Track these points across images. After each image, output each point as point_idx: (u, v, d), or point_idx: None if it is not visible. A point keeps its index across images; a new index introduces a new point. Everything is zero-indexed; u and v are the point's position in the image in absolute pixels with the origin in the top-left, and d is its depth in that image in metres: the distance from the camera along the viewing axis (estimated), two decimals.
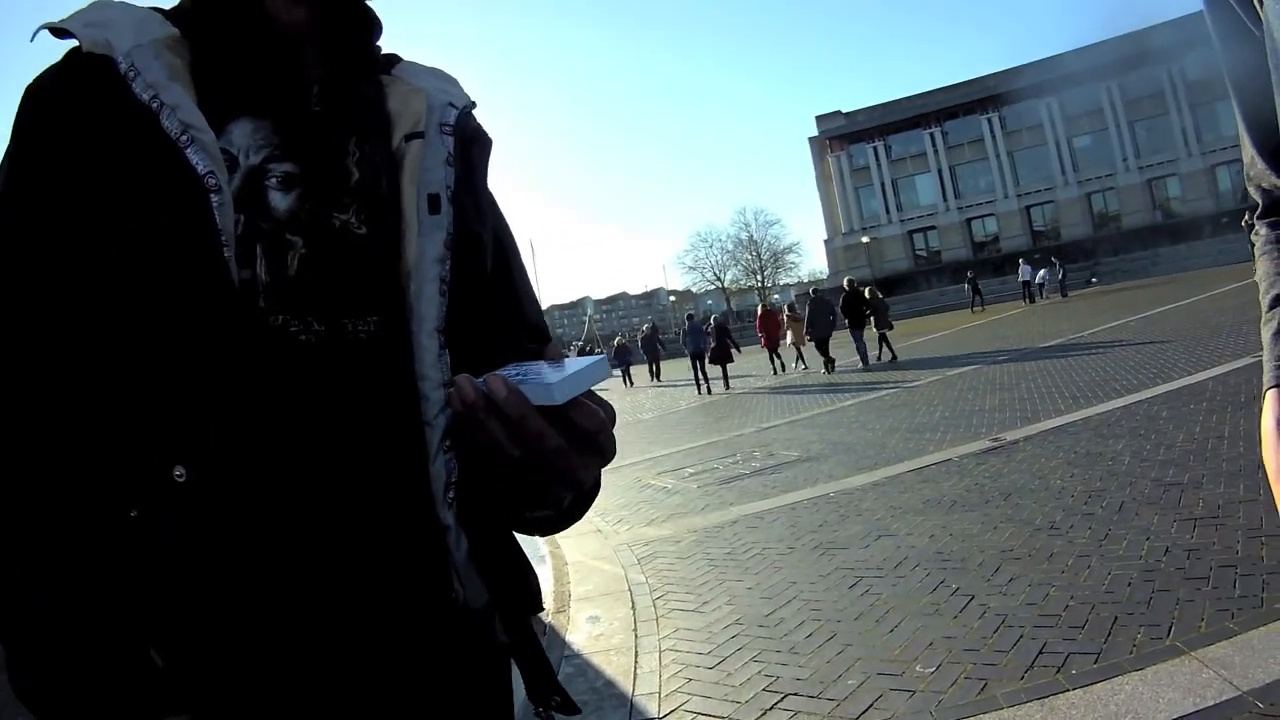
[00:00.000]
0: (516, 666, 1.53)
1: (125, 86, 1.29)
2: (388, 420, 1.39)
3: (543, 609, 1.59)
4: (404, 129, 1.55)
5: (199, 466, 1.23)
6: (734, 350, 33.66)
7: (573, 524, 1.60)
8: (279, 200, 1.38)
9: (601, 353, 1.24)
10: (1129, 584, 5.77)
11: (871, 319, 29.97)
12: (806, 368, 33.25)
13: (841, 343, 30.98)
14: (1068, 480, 8.90)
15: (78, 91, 1.32)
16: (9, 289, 1.28)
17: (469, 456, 1.41)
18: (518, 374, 1.24)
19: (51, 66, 1.37)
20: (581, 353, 45.98)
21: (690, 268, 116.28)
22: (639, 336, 47.21)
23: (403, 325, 1.43)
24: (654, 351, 43.94)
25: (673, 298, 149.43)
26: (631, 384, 44.25)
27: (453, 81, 1.68)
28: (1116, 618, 5.30)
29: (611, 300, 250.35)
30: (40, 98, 1.34)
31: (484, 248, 1.59)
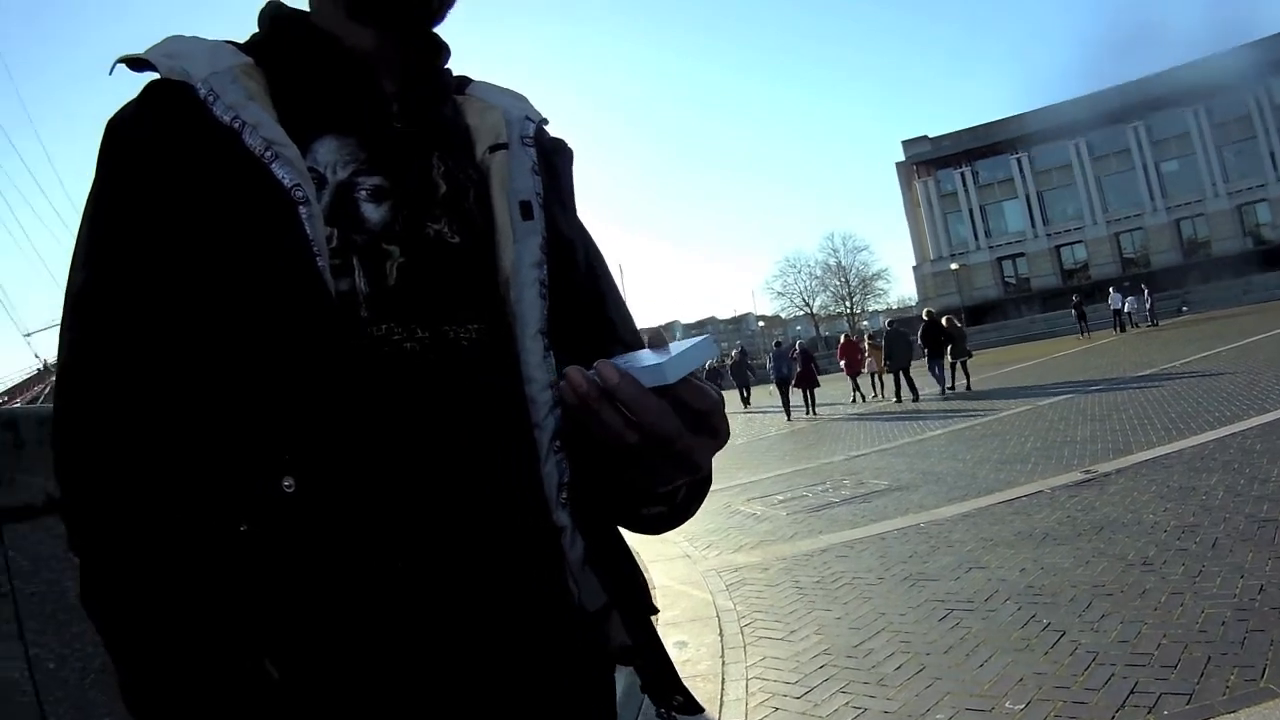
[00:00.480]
0: (636, 668, 1.52)
1: (206, 110, 1.33)
2: (497, 424, 1.41)
3: (657, 610, 1.61)
4: (486, 142, 1.60)
5: (307, 478, 1.25)
6: (819, 376, 33.65)
7: (685, 520, 1.61)
8: (371, 212, 1.40)
9: (707, 334, 1.22)
10: (1222, 623, 5.68)
11: (949, 348, 30.48)
12: (880, 398, 33.68)
13: (920, 372, 30.83)
14: (1160, 515, 8.76)
15: (160, 119, 1.35)
16: (115, 314, 1.30)
17: (581, 456, 1.43)
18: (626, 361, 1.25)
19: (131, 100, 1.40)
20: None
21: (779, 293, 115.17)
22: (729, 362, 46.77)
23: (506, 330, 1.46)
24: (743, 377, 43.31)
25: (761, 323, 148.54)
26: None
27: (524, 99, 1.73)
28: (1210, 658, 5.21)
29: (700, 325, 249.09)
30: (124, 128, 1.37)
31: (577, 253, 1.62)
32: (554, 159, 1.66)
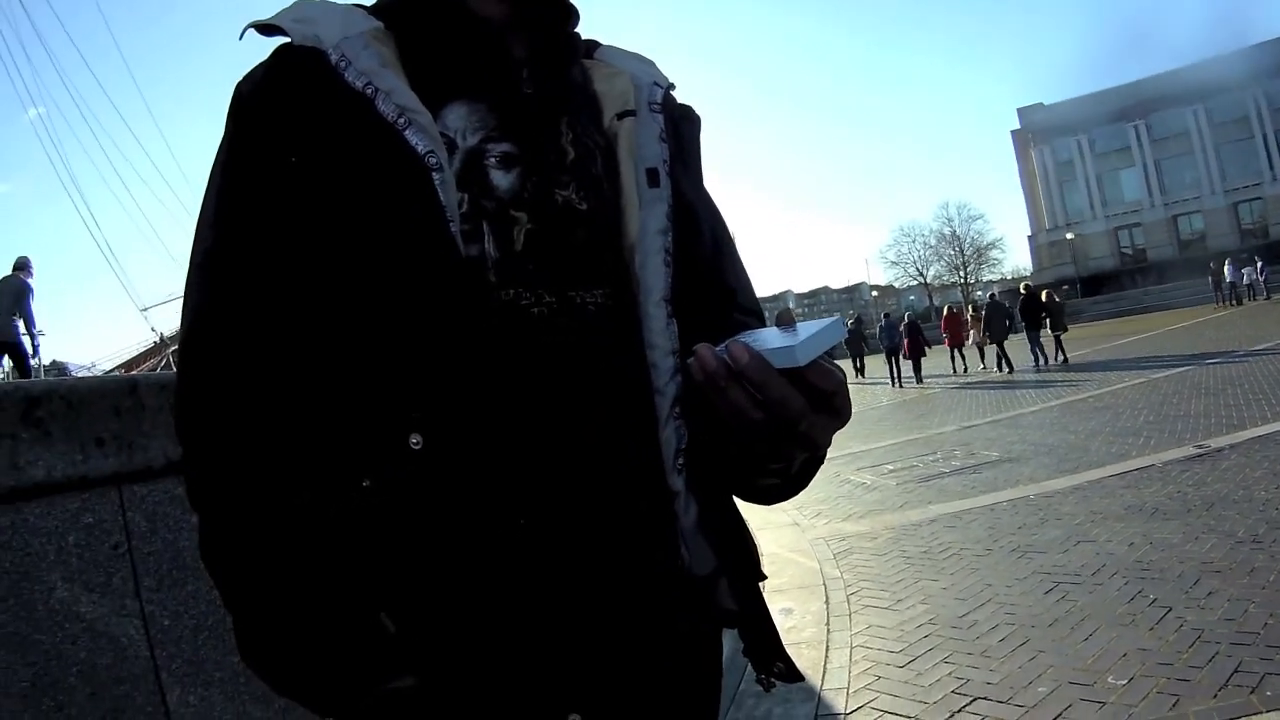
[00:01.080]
0: (740, 634, 1.55)
1: (338, 76, 1.36)
2: (619, 388, 1.43)
3: (765, 577, 1.64)
4: (614, 108, 1.60)
5: (435, 435, 1.29)
6: (925, 347, 34.68)
7: (798, 492, 1.58)
8: (500, 179, 1.42)
9: (837, 315, 1.23)
10: None
11: (1047, 322, 31.71)
12: (985, 367, 34.03)
13: (1019, 345, 30.95)
14: (1272, 492, 8.62)
15: (292, 83, 1.38)
16: (242, 277, 1.35)
17: (700, 425, 1.43)
18: (754, 341, 1.24)
19: (260, 64, 1.43)
20: None
21: (893, 263, 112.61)
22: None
23: (630, 296, 1.48)
24: (858, 347, 42.48)
25: (875, 293, 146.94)
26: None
27: (652, 64, 1.73)
28: None
29: (813, 294, 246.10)
30: (255, 93, 1.41)
31: (702, 222, 1.64)
32: (681, 126, 1.67)
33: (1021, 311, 32.25)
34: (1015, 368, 30.67)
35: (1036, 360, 31.18)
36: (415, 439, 1.29)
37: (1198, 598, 6.18)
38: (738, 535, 1.56)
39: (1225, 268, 51.01)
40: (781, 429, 1.23)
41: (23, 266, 18.49)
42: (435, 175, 1.33)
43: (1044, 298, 32.35)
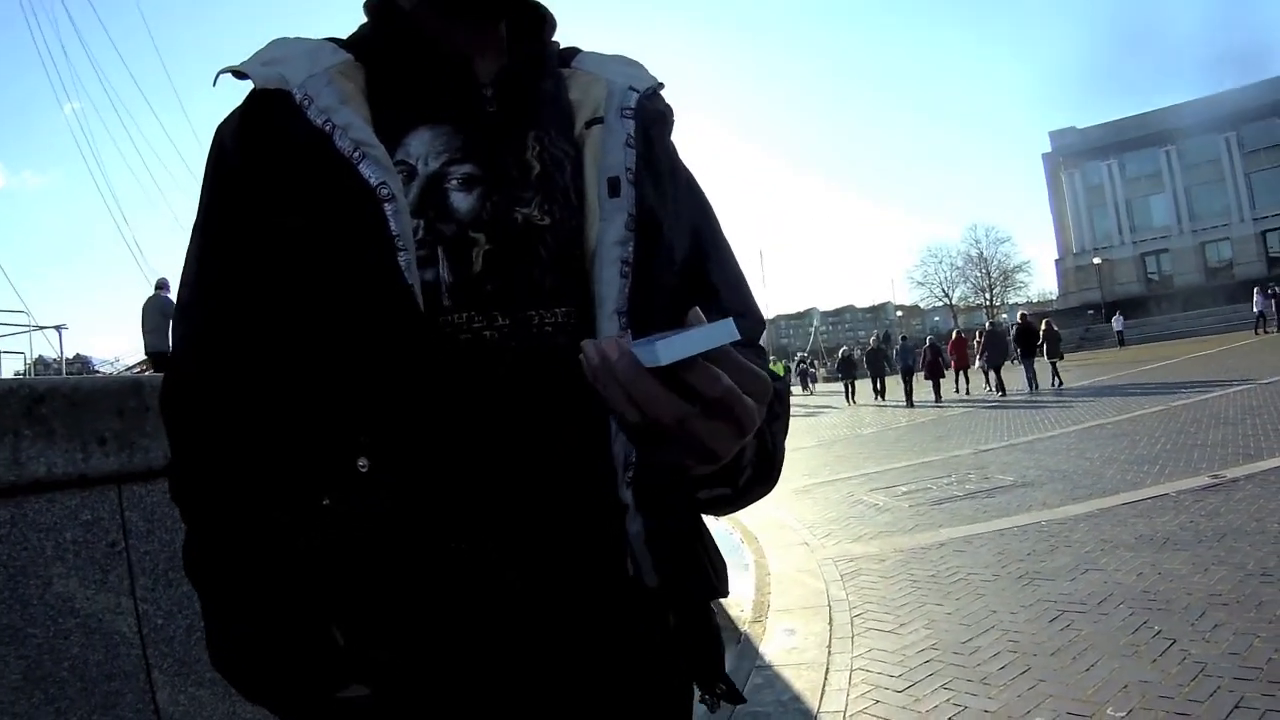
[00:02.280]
0: (685, 651, 1.57)
1: (301, 115, 1.40)
2: (571, 405, 1.43)
3: (724, 594, 1.60)
4: (584, 117, 1.61)
5: (379, 459, 1.34)
6: (945, 369, 37.45)
7: (754, 500, 1.54)
8: (460, 201, 1.45)
9: (729, 317, 1.11)
10: None
11: (1044, 348, 34.40)
12: (988, 388, 36.14)
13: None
14: None
15: (258, 128, 1.43)
16: (212, 321, 1.44)
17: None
18: (646, 339, 1.16)
19: (235, 110, 1.48)
20: (803, 364, 44.90)
21: (919, 283, 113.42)
22: (863, 350, 45.38)
23: (590, 311, 1.48)
24: (879, 366, 41.99)
25: (900, 312, 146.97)
26: (853, 400, 41.92)
27: (636, 65, 1.73)
28: None
29: (838, 312, 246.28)
30: (225, 141, 1.47)
31: (668, 230, 1.60)
32: (652, 129, 1.64)
33: (1017, 339, 35.13)
34: (1007, 391, 33.57)
35: (1030, 385, 33.25)
36: (362, 462, 1.34)
37: (1203, 630, 6.14)
38: (690, 550, 1.57)
39: (1254, 296, 50.72)
40: (656, 431, 1.17)
41: (163, 285, 19.41)
42: (387, 205, 1.36)
43: (1042, 327, 35.07)
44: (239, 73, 1.46)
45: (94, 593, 3.33)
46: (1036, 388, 33.00)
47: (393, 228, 1.36)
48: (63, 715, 3.16)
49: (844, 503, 13.76)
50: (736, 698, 1.58)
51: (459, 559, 1.37)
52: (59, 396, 3.32)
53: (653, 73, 1.73)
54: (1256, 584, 6.96)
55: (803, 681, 6.30)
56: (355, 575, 1.35)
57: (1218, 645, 5.83)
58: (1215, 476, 11.52)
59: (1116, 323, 57.09)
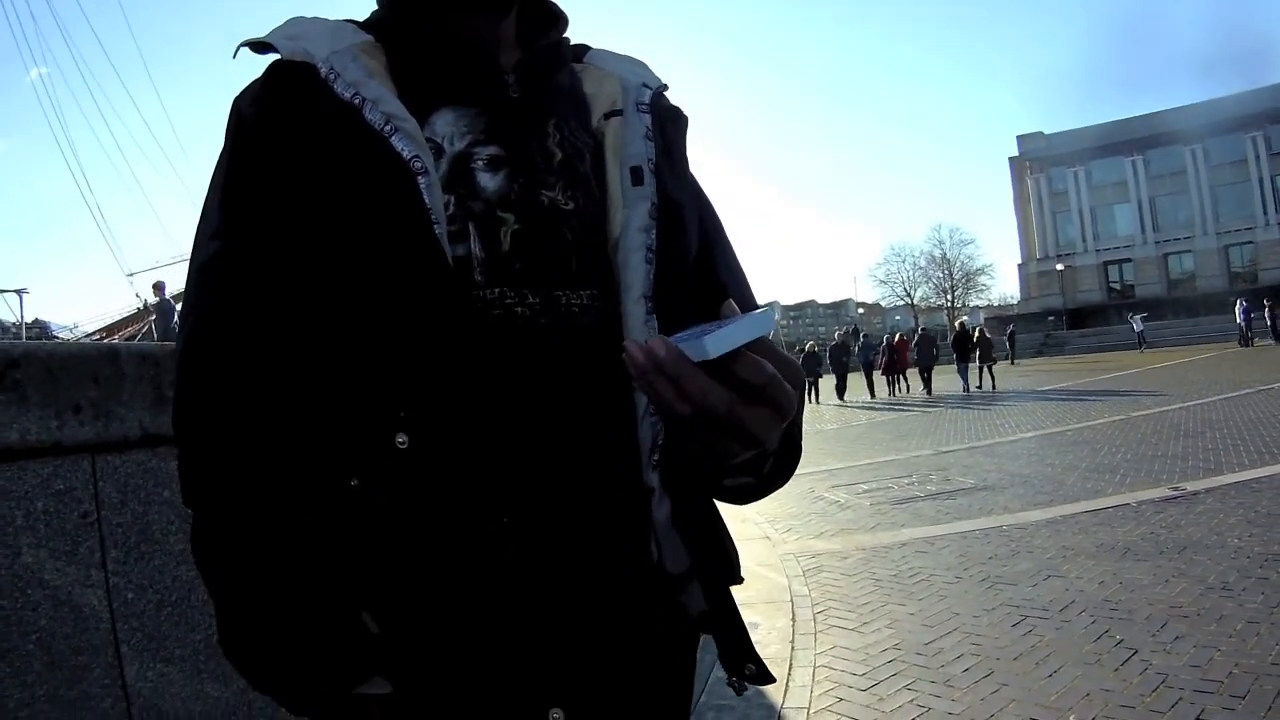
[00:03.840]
0: (713, 635, 1.55)
1: (327, 88, 1.39)
2: (598, 386, 1.46)
3: (741, 580, 1.63)
4: (601, 109, 1.63)
5: (420, 434, 1.31)
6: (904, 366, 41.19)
7: (772, 491, 1.59)
8: (488, 180, 1.45)
9: (768, 306, 1.21)
10: None
11: (976, 354, 37.78)
12: (924, 390, 38.91)
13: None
14: (1245, 539, 8.61)
15: (284, 97, 1.42)
16: (243, 288, 1.38)
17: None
18: (685, 334, 1.21)
19: (256, 80, 1.47)
20: None
21: (881, 281, 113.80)
22: (828, 346, 44.53)
23: (613, 294, 1.50)
24: (841, 364, 41.42)
25: (861, 310, 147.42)
26: (815, 400, 40.55)
27: (644, 65, 1.75)
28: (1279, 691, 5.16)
29: (800, 308, 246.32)
30: (250, 109, 1.44)
31: (688, 219, 1.64)
32: (668, 126, 1.68)
33: (953, 344, 38.77)
34: (933, 393, 37.28)
35: (965, 386, 37.00)
36: (401, 438, 1.31)
37: (1164, 641, 6.17)
38: (714, 535, 1.58)
39: (1236, 309, 50.92)
40: (709, 423, 1.20)
41: (161, 288, 19.74)
42: (421, 179, 1.36)
43: (975, 334, 38.68)
44: (259, 45, 1.46)
45: (64, 565, 3.27)
46: (969, 390, 36.27)
47: (426, 201, 1.35)
48: (29, 689, 3.10)
49: (805, 498, 13.76)
50: (766, 678, 1.57)
51: (500, 537, 1.34)
52: (35, 362, 3.26)
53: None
54: (1217, 597, 6.99)
55: None
56: (390, 557, 1.33)
57: (1179, 657, 5.86)
58: (1175, 489, 11.58)
59: (1136, 323, 56.95)
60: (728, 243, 1.81)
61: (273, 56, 1.45)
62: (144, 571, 3.48)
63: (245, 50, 1.48)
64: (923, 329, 44.51)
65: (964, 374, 37.42)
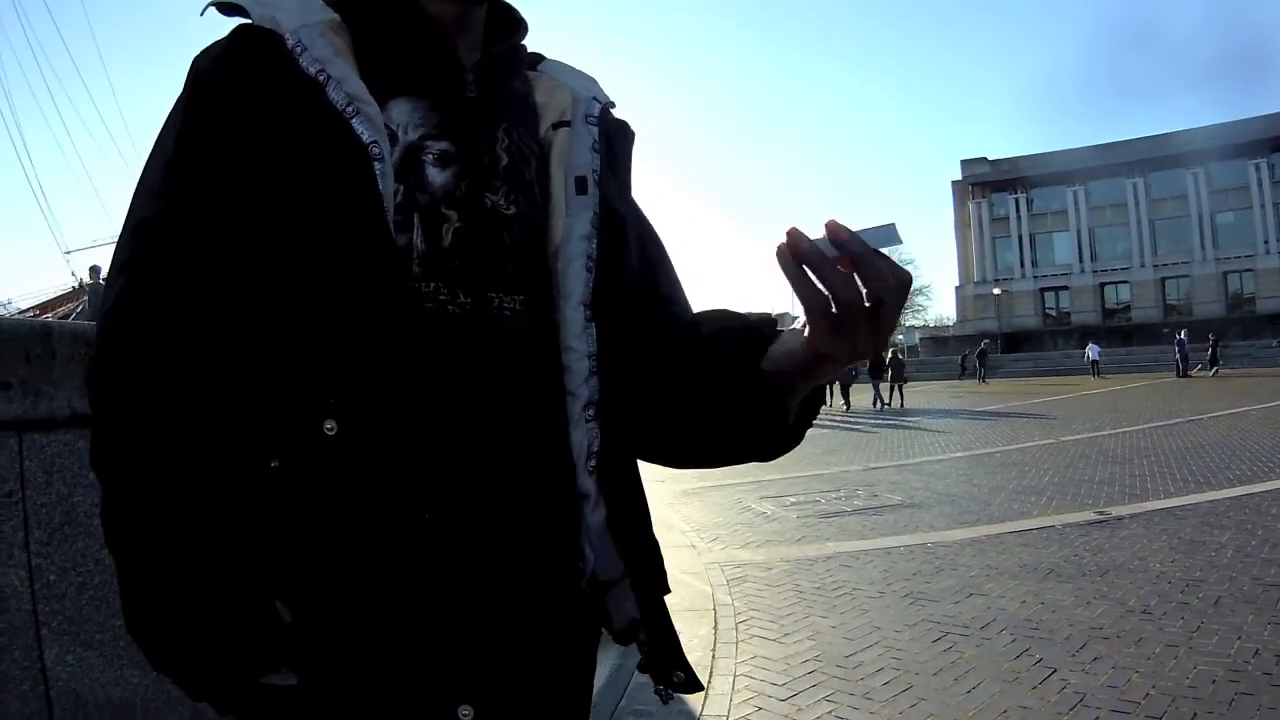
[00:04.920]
0: (643, 642, 1.59)
1: (293, 60, 1.38)
2: (530, 391, 1.47)
3: (669, 590, 1.66)
4: (551, 118, 1.65)
5: (350, 423, 1.30)
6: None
7: (781, 454, 1.56)
8: (436, 175, 1.46)
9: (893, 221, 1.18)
10: (1213, 681, 5.64)
11: (889, 373, 41.01)
12: (846, 406, 40.62)
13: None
14: (1168, 565, 8.71)
15: (248, 62, 1.40)
16: (181, 250, 1.35)
17: (611, 424, 1.51)
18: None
19: (219, 40, 1.45)
20: None
21: None
22: None
23: (550, 300, 1.51)
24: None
25: (798, 323, 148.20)
26: None
27: (594, 81, 1.77)
28: (1195, 714, 5.19)
29: None
30: (212, 68, 1.42)
31: (629, 232, 1.66)
32: (615, 139, 1.70)
33: (870, 364, 40.02)
34: (851, 407, 39.72)
35: (877, 403, 40.12)
36: (330, 425, 1.30)
37: (1083, 662, 6.21)
38: (646, 542, 1.60)
39: (1178, 338, 51.69)
40: (872, 308, 1.20)
41: (96, 272, 20.09)
42: (377, 165, 1.36)
43: (889, 356, 41.50)
44: (227, 7, 1.44)
45: None
46: (882, 407, 39.47)
47: (380, 188, 1.36)
48: None
49: (732, 508, 13.82)
50: (695, 685, 1.60)
51: (421, 532, 1.33)
52: None
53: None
54: (1137, 620, 7.05)
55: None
56: (307, 544, 1.31)
57: (1097, 677, 5.90)
58: (1101, 513, 11.72)
59: (1092, 351, 57.38)
60: (668, 257, 1.81)
61: (239, 20, 1.45)
62: (67, 554, 3.41)
63: (213, 11, 1.46)
64: None
65: (876, 390, 40.76)
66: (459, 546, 1.36)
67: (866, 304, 1.19)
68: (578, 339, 1.49)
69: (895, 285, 1.18)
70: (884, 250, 1.18)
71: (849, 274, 1.18)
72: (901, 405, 39.68)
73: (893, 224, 1.17)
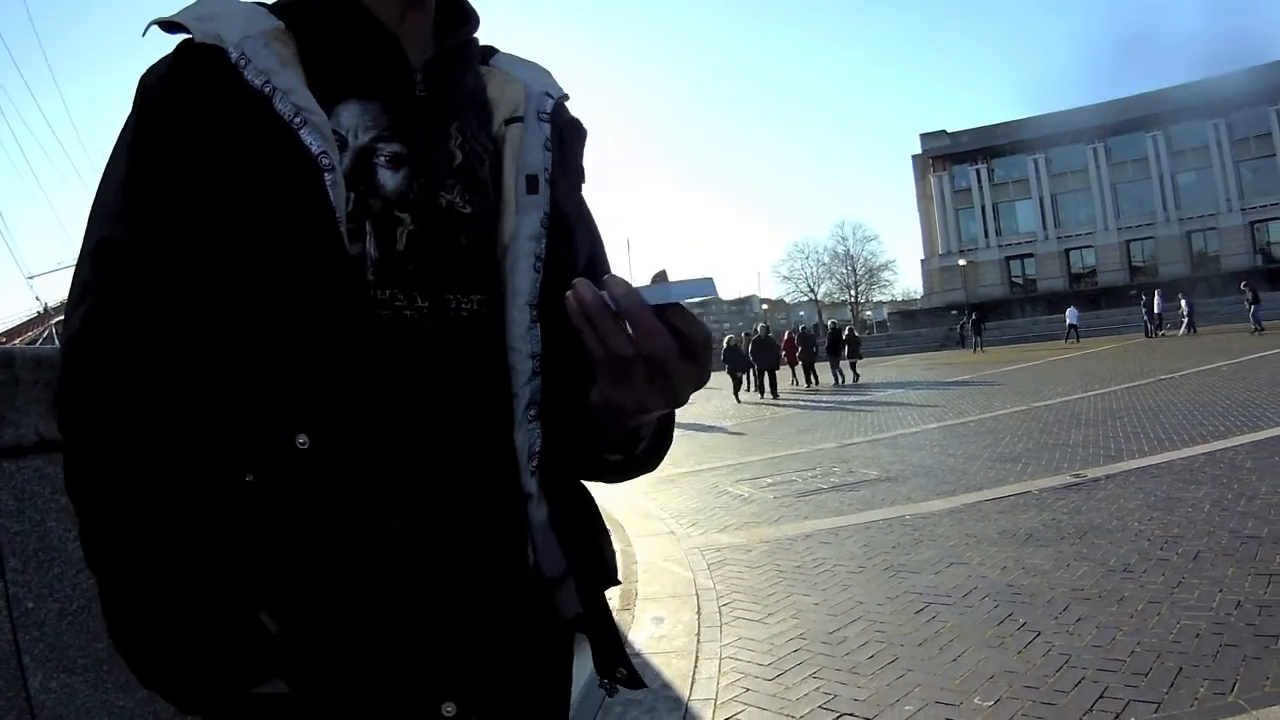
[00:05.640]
0: (586, 638, 1.58)
1: (237, 74, 1.36)
2: (481, 392, 1.47)
3: (618, 582, 1.69)
4: (503, 114, 1.64)
5: (320, 435, 1.31)
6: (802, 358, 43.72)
7: (644, 472, 1.64)
8: (388, 179, 1.45)
9: (710, 275, 1.22)
10: (1197, 635, 5.68)
11: (846, 349, 41.81)
12: (815, 382, 42.14)
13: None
14: (1145, 523, 8.76)
15: (192, 79, 1.38)
16: (143, 273, 1.33)
17: (553, 424, 1.51)
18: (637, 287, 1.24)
19: (164, 58, 1.43)
20: None
21: (785, 277, 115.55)
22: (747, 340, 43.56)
23: (499, 300, 1.51)
24: (767, 358, 38.60)
25: (765, 306, 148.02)
26: (739, 400, 37.12)
27: (547, 73, 1.75)
28: (1181, 668, 5.22)
29: (704, 304, 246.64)
30: (158, 88, 1.40)
31: (578, 232, 1.67)
32: (567, 137, 1.68)
33: (828, 341, 43.19)
34: (816, 384, 41.30)
35: (836, 379, 41.08)
36: (302, 439, 1.31)
37: (1066, 623, 6.24)
38: (591, 539, 1.61)
39: (1155, 299, 51.84)
40: (646, 369, 1.23)
41: None
42: (327, 175, 1.35)
43: (845, 333, 43.26)
44: (169, 25, 1.42)
45: None
46: (842, 381, 40.39)
47: (331, 198, 1.35)
48: None
49: (709, 493, 13.82)
50: (637, 682, 1.60)
51: (390, 539, 1.36)
52: None
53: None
54: (1118, 579, 7.09)
55: (673, 669, 6.26)
56: (285, 555, 1.31)
57: (1081, 638, 5.93)
58: (1077, 476, 11.78)
59: (1071, 316, 57.01)
60: (607, 260, 1.82)
61: (183, 36, 1.42)
62: (44, 580, 3.37)
63: (155, 29, 1.44)
64: (801, 327, 50.81)
65: (836, 367, 41.85)
66: (425, 551, 1.38)
67: (642, 360, 1.23)
68: (522, 339, 1.50)
69: (673, 342, 1.23)
70: (696, 301, 1.23)
71: (623, 330, 1.22)
72: (855, 380, 40.77)
73: (710, 278, 1.20)
